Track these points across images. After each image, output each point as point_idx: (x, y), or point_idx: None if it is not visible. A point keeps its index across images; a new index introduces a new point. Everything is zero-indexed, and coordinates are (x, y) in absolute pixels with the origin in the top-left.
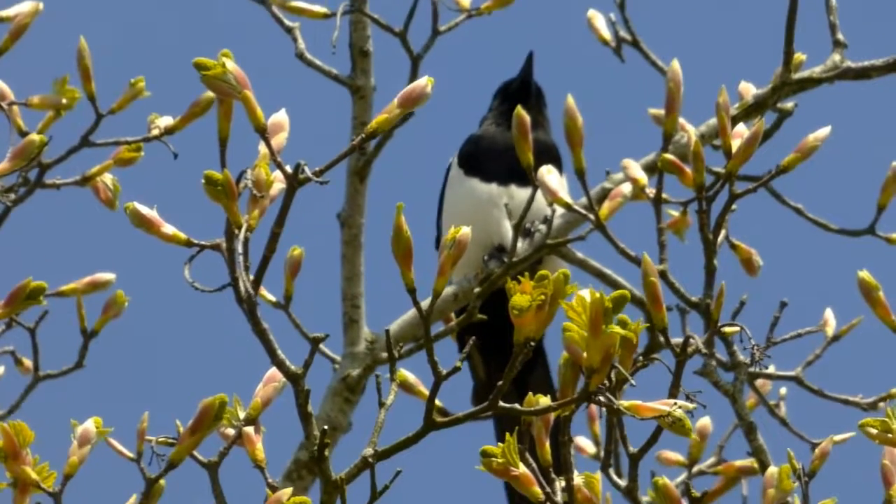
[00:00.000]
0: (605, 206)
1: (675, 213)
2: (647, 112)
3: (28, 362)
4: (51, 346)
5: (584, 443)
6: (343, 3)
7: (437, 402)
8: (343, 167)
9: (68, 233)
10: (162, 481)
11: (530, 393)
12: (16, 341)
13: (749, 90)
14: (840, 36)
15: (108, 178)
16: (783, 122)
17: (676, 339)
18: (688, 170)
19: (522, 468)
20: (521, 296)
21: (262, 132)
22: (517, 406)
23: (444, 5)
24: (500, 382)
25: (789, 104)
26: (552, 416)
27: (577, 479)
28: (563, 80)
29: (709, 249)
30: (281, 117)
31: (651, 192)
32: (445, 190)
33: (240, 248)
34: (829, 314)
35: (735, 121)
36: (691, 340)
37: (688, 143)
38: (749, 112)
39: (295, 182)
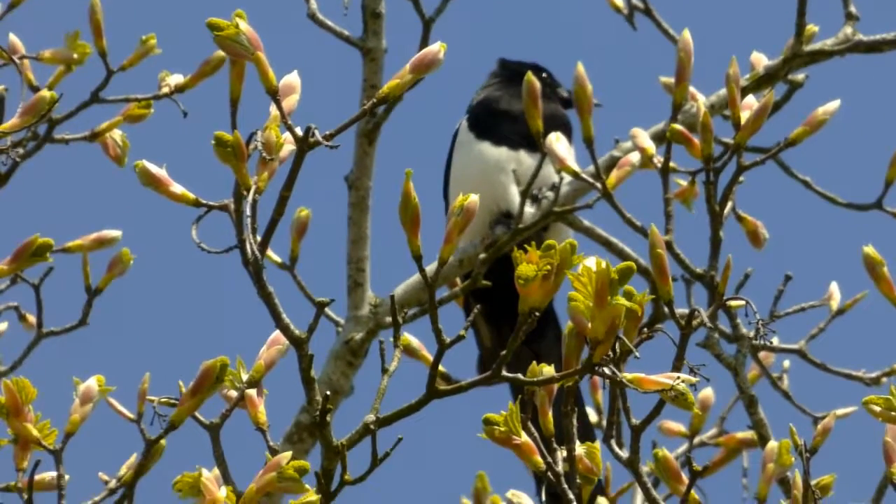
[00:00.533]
0: (613, 175)
1: (683, 183)
2: (659, 80)
3: (32, 318)
4: (55, 302)
5: (587, 412)
6: None
7: (441, 368)
8: (352, 129)
9: (76, 189)
10: (162, 442)
11: (534, 362)
12: (20, 297)
13: (760, 61)
14: (852, 8)
15: (117, 134)
16: (793, 94)
17: (681, 311)
18: (696, 140)
19: (524, 437)
20: (527, 265)
21: (274, 94)
22: (520, 376)
23: None
24: (504, 352)
25: (800, 76)
26: (556, 385)
27: (579, 449)
28: (574, 48)
29: (715, 221)
30: (293, 79)
31: (659, 161)
32: (453, 153)
33: (248, 210)
34: (833, 288)
35: (745, 91)
36: (697, 313)
37: (697, 113)
38: (760, 83)
39: (305, 145)
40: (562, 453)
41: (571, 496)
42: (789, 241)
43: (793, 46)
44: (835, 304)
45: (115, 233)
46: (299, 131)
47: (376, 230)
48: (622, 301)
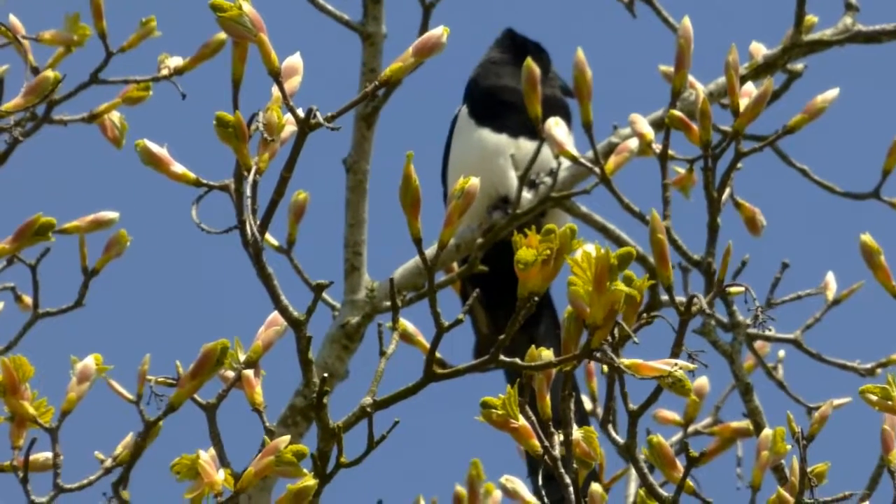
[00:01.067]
0: (611, 161)
1: (681, 171)
2: (658, 69)
3: (28, 299)
4: (51, 283)
5: (581, 398)
6: None
7: (436, 354)
8: (350, 112)
9: (73, 169)
10: (160, 423)
11: (532, 346)
12: (16, 278)
13: (760, 50)
14: None
15: (115, 115)
16: (792, 84)
17: (678, 298)
18: (695, 127)
19: (522, 420)
20: (527, 250)
21: (276, 76)
22: (518, 360)
23: None
24: (502, 336)
25: (799, 65)
26: (554, 370)
27: (576, 434)
28: (575, 33)
29: (713, 207)
30: (295, 61)
31: (658, 147)
32: (452, 138)
33: (248, 191)
34: (830, 277)
35: (744, 80)
36: (696, 300)
37: (696, 101)
38: (758, 72)
39: (306, 127)
40: (559, 437)
41: (568, 480)
42: (786, 229)
43: (792, 36)
44: (831, 294)
45: (113, 214)
46: (301, 113)
47: (373, 214)
48: (621, 287)
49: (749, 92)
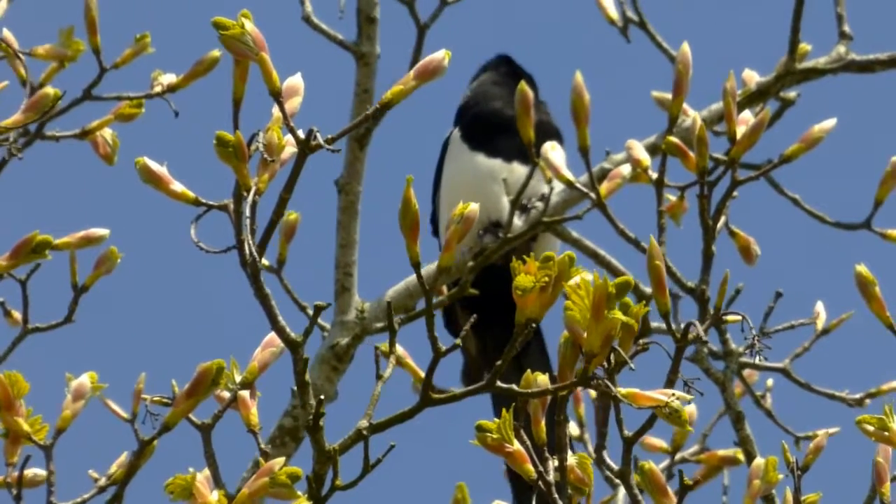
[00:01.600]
0: (604, 186)
1: (673, 198)
2: (651, 94)
3: (17, 314)
4: (41, 299)
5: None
6: None
7: (421, 373)
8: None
9: (65, 185)
10: (155, 442)
11: (528, 371)
12: (6, 293)
13: (753, 77)
14: (846, 28)
15: (107, 132)
16: (785, 111)
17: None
18: (691, 154)
19: (516, 445)
20: (525, 276)
21: (277, 96)
22: (514, 387)
23: None
24: (498, 362)
25: (792, 93)
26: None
27: (571, 460)
28: (567, 57)
29: (708, 235)
30: (296, 81)
31: (653, 174)
32: (445, 162)
33: (247, 211)
34: (819, 307)
35: (738, 107)
36: (693, 327)
37: (691, 127)
38: (752, 99)
39: (307, 148)
40: (553, 462)
41: None
42: (778, 257)
43: (786, 64)
44: (820, 323)
45: (103, 231)
46: (301, 134)
47: (363, 235)
48: (619, 315)
49: (745, 119)
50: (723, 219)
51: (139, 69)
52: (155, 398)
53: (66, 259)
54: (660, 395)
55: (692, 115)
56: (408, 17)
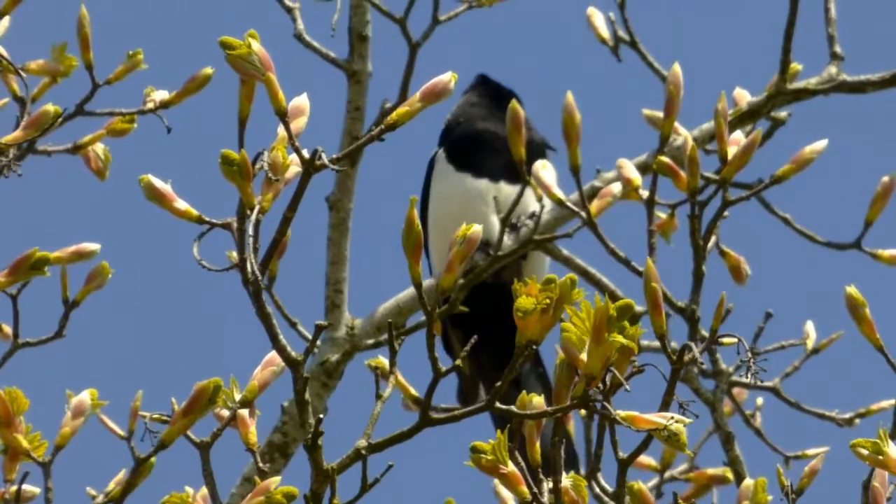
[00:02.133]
0: (594, 205)
1: (663, 216)
2: (641, 113)
3: (7, 329)
4: (32, 314)
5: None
6: None
7: (413, 393)
8: (334, 150)
9: (56, 200)
10: (152, 459)
11: (524, 393)
12: None
13: (744, 97)
14: (838, 48)
15: (99, 147)
16: (776, 131)
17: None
18: (682, 173)
19: (511, 467)
20: (526, 298)
21: (283, 115)
22: (513, 408)
23: None
24: (497, 383)
25: (783, 113)
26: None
27: (565, 481)
28: (557, 75)
29: (698, 255)
30: (302, 101)
31: (644, 193)
32: (432, 183)
33: (250, 230)
34: (809, 326)
35: (729, 127)
36: (689, 348)
37: (682, 147)
38: (742, 119)
39: (312, 167)
40: (548, 484)
41: None
42: (768, 278)
43: (777, 84)
44: (810, 343)
45: (94, 246)
46: (306, 154)
47: (353, 251)
48: (619, 338)
49: (737, 140)
50: (713, 238)
51: (132, 85)
52: (154, 416)
53: (58, 274)
54: (659, 418)
55: (684, 135)
56: (400, 35)
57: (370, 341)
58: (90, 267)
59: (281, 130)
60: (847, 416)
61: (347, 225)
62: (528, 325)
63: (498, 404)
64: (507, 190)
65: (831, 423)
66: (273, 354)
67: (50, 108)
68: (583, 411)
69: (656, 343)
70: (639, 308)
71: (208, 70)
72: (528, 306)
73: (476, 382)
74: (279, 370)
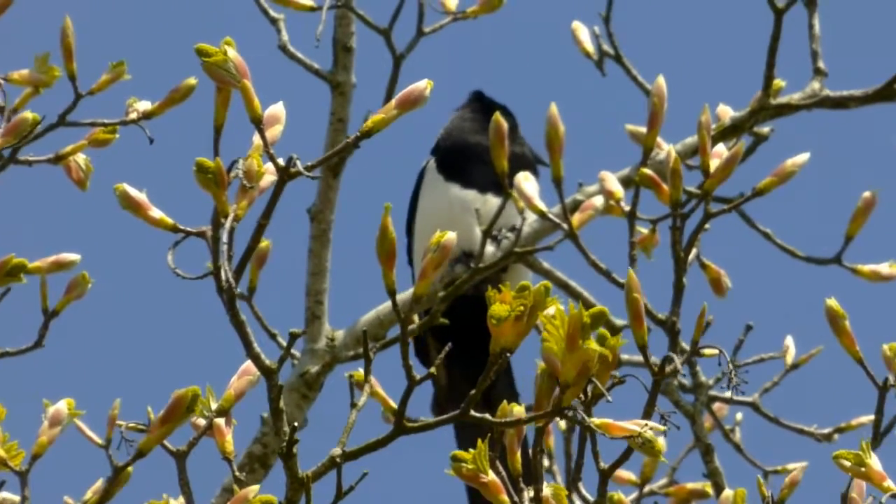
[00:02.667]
0: (576, 218)
1: (644, 231)
2: (624, 128)
3: None
4: (11, 323)
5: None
6: None
7: (391, 404)
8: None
9: (37, 210)
10: (129, 468)
11: (504, 402)
12: None
13: (727, 112)
14: (821, 64)
15: (80, 157)
16: (758, 146)
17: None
18: (665, 186)
19: (492, 475)
20: (500, 305)
21: (258, 123)
22: (488, 416)
23: (430, 6)
24: (472, 391)
25: (765, 128)
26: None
27: (546, 491)
28: (542, 89)
29: (679, 267)
30: (277, 110)
31: (626, 206)
32: (420, 192)
33: (225, 238)
34: (789, 341)
35: (712, 142)
36: (670, 360)
37: (665, 160)
38: (725, 134)
39: (286, 175)
40: (528, 493)
41: None
42: (748, 291)
43: (760, 99)
44: (790, 358)
45: (74, 256)
46: (281, 161)
47: (334, 263)
48: (594, 345)
49: (720, 153)
50: (694, 251)
51: (115, 96)
52: (130, 425)
53: (37, 283)
54: (633, 425)
55: (667, 148)
56: (384, 47)
57: (350, 353)
58: (70, 277)
59: (257, 138)
60: (826, 431)
61: (329, 236)
62: (503, 332)
63: (475, 413)
64: (494, 202)
65: (810, 439)
66: (249, 364)
67: (28, 115)
68: (562, 422)
69: (637, 357)
70: (619, 321)
71: (192, 81)
72: (502, 313)
73: (452, 393)
74: (255, 379)
